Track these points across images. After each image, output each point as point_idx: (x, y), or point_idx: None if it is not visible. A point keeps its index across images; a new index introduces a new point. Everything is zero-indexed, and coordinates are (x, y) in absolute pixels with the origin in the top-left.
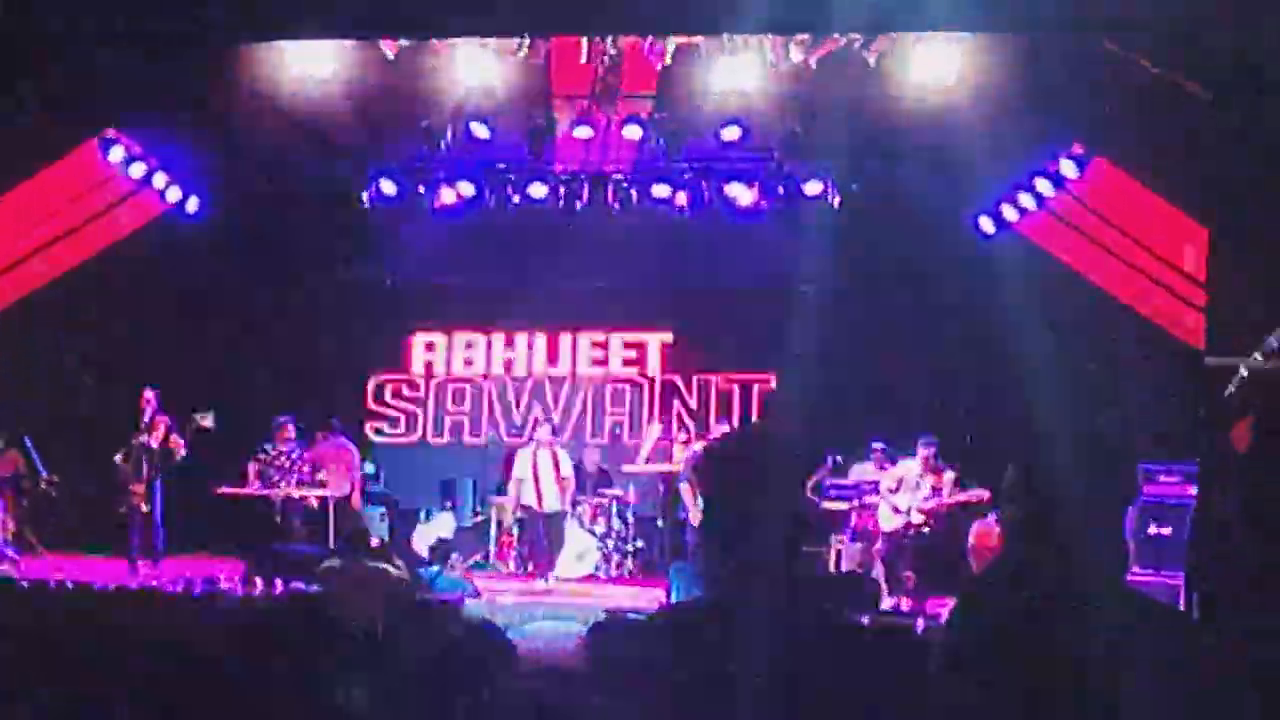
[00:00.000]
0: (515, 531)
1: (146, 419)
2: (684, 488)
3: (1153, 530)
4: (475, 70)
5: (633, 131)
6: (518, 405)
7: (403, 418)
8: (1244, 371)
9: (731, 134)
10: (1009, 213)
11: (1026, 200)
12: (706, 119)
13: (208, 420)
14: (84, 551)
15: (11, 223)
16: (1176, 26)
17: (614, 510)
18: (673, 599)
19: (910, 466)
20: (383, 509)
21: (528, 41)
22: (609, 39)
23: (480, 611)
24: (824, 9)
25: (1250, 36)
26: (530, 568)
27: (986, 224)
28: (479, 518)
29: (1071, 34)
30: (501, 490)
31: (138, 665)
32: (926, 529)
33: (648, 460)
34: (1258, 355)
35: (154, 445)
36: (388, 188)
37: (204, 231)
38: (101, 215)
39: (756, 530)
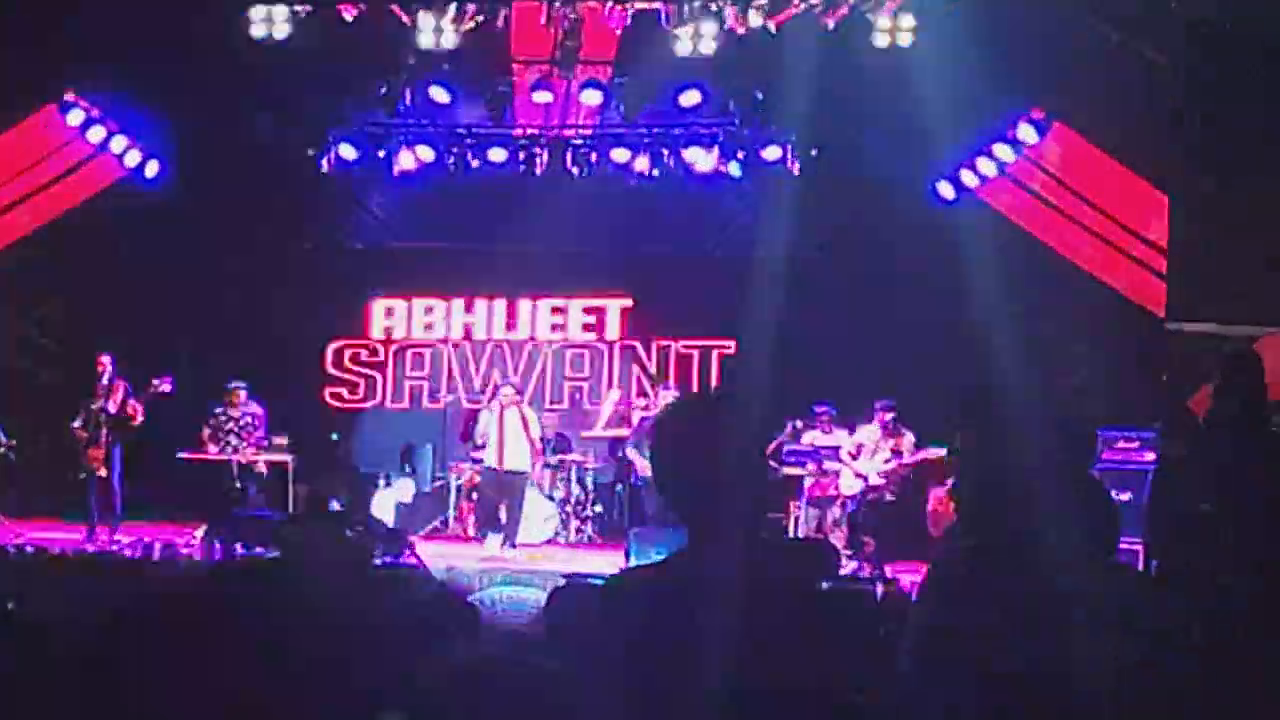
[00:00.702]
0: (475, 496)
1: (104, 384)
2: (632, 453)
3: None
4: (434, 34)
5: (592, 96)
6: (477, 370)
7: (362, 383)
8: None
9: (691, 99)
10: (968, 178)
11: (986, 166)
12: (666, 84)
13: (165, 385)
14: (43, 516)
15: None
16: None
17: (573, 475)
18: (631, 564)
19: (870, 431)
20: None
21: (487, 5)
22: (569, 3)
23: (440, 576)
24: None
25: (1214, 2)
26: (475, 531)
27: (946, 189)
28: (439, 483)
29: None
30: (461, 454)
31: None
32: (887, 494)
33: (606, 425)
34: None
35: (112, 410)
36: (347, 152)
37: (163, 196)
38: (60, 180)
39: (716, 496)
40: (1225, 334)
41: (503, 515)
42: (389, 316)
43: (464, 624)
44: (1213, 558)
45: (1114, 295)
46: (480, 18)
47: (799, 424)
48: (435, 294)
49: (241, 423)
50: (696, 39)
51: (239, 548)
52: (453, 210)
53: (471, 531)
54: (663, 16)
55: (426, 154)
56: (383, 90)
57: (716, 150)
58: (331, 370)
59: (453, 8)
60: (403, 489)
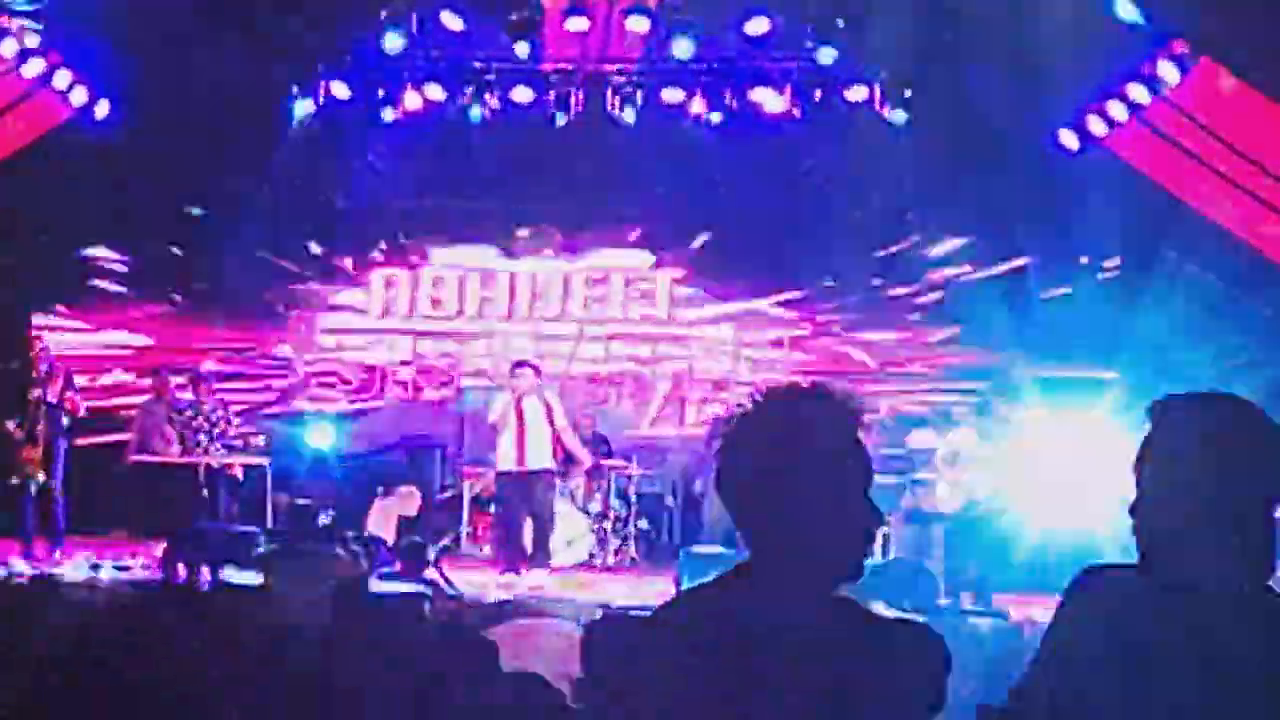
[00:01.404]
0: (494, 509)
1: (41, 369)
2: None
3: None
4: None
5: (639, 23)
6: (496, 355)
7: (356, 370)
8: None
9: (759, 27)
10: (1096, 125)
11: (1117, 110)
12: (728, 9)
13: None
14: None
15: None
16: None
17: (612, 485)
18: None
19: (964, 433)
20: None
21: None
22: None
23: (451, 607)
24: None
25: None
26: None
27: (1069, 139)
28: (449, 493)
29: None
30: (478, 456)
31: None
32: (991, 507)
33: (654, 423)
34: None
35: (51, 400)
36: (339, 91)
37: (115, 142)
38: None
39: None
40: None
41: (527, 533)
42: (389, 289)
43: (480, 663)
44: None
45: (1271, 265)
46: None
47: (889, 422)
48: (445, 263)
49: (212, 417)
50: None
51: (205, 569)
52: (467, 161)
53: (489, 553)
54: None
55: (436, 93)
56: (383, 15)
57: (789, 90)
58: (320, 354)
59: None
60: (406, 500)
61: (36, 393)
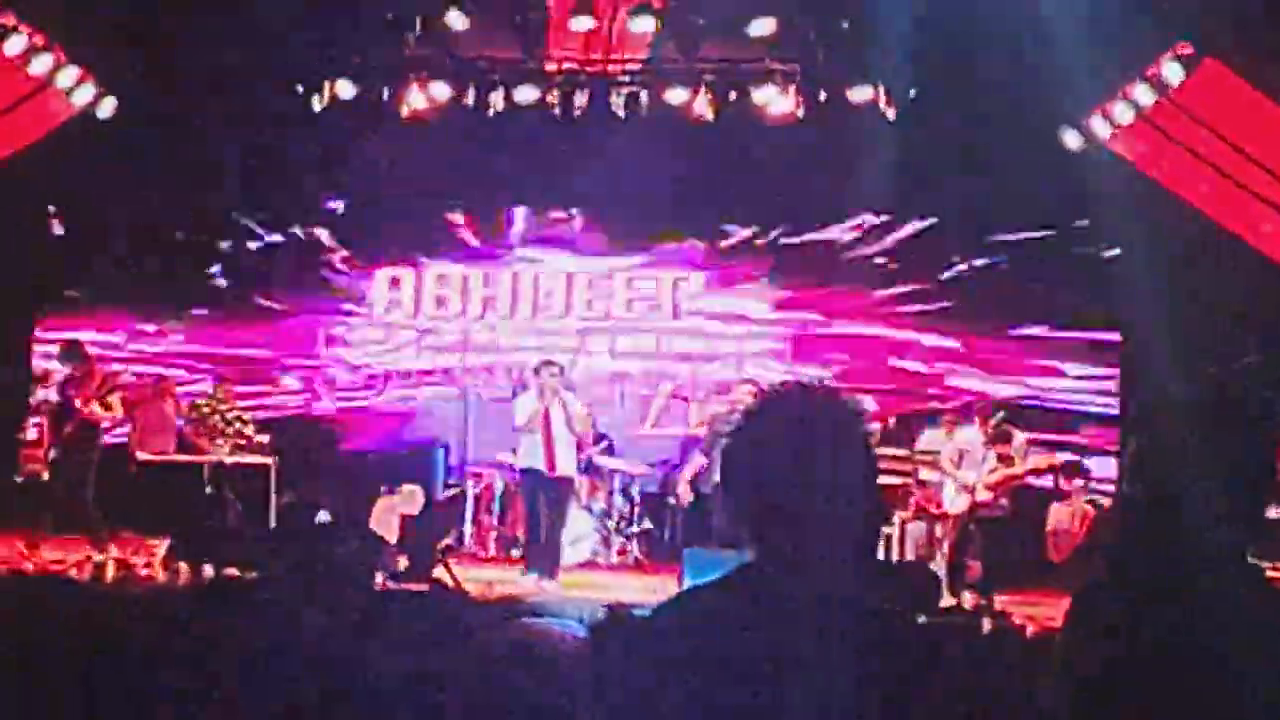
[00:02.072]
0: (497, 508)
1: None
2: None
3: None
4: None
5: (643, 24)
6: (501, 354)
7: (360, 369)
8: None
9: (763, 28)
10: (1100, 126)
11: (1121, 110)
12: (733, 10)
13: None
14: None
15: None
16: None
17: (616, 484)
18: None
19: (971, 434)
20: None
21: None
22: None
23: (454, 604)
24: None
25: None
26: (517, 551)
27: (1072, 139)
28: (453, 491)
29: None
30: (485, 456)
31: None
32: (996, 510)
33: (658, 423)
34: None
35: (54, 400)
36: (344, 90)
37: (120, 140)
38: None
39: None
40: None
41: (539, 531)
42: (394, 288)
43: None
44: None
45: (1277, 271)
46: None
47: (893, 422)
48: (450, 261)
49: (228, 416)
50: None
51: (208, 567)
52: (471, 160)
53: (493, 550)
54: None
55: (441, 92)
56: (389, 15)
57: (793, 91)
58: (325, 353)
59: None
60: (409, 499)
61: (42, 393)
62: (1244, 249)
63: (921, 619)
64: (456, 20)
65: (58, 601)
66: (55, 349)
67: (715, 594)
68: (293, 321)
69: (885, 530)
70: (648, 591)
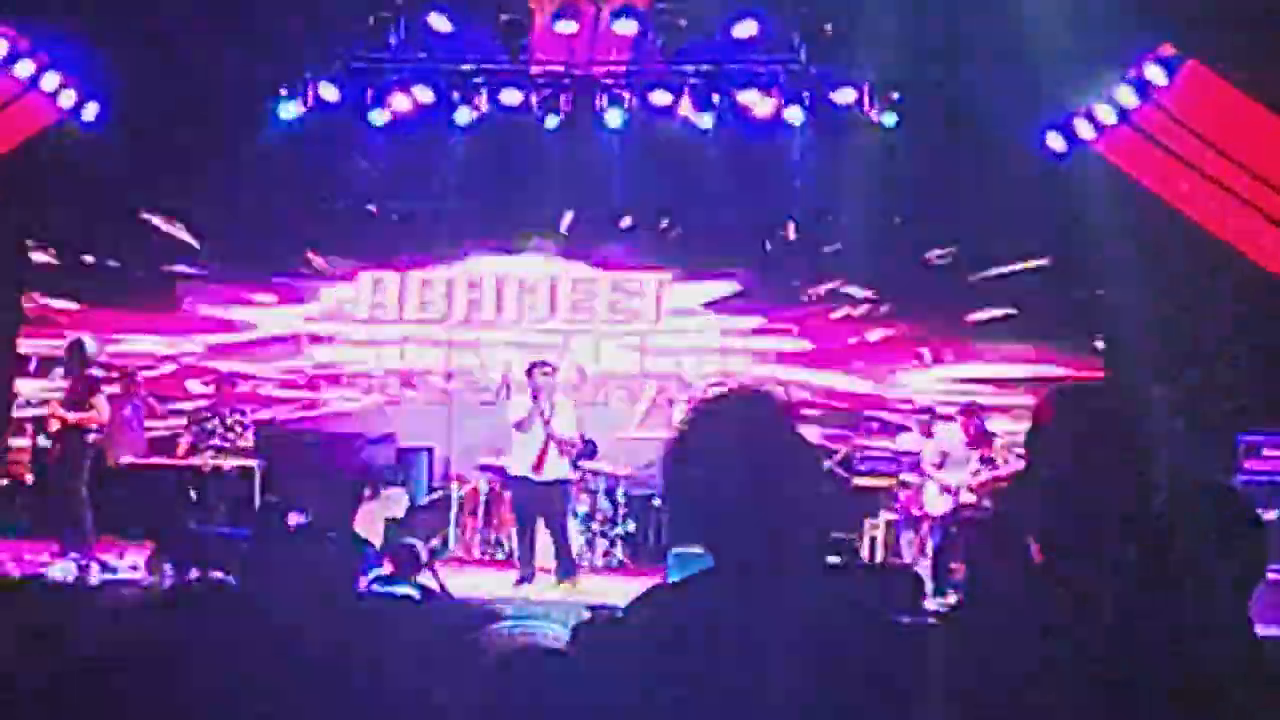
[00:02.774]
0: (482, 512)
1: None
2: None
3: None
4: None
5: (626, 26)
6: (482, 357)
7: (345, 372)
8: None
9: (747, 30)
10: (1083, 128)
11: (1105, 113)
12: (716, 11)
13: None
14: None
15: None
16: None
17: (601, 487)
18: None
19: (952, 435)
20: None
21: None
22: None
23: (442, 609)
24: None
25: None
26: (502, 554)
27: (1056, 141)
28: (437, 494)
29: None
30: (470, 460)
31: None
32: (979, 511)
33: (642, 425)
34: None
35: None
36: (328, 93)
37: (104, 144)
38: None
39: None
40: None
41: (535, 542)
42: (378, 291)
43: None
44: None
45: (1261, 272)
46: None
47: (874, 424)
48: (432, 264)
49: (230, 422)
50: None
51: (193, 571)
52: (455, 163)
53: (478, 553)
54: None
55: (425, 95)
56: (371, 17)
57: (777, 93)
58: (308, 356)
59: None
60: (393, 502)
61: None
62: (1227, 250)
63: (904, 619)
64: (439, 23)
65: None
66: (61, 349)
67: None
68: (275, 324)
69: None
70: (632, 594)
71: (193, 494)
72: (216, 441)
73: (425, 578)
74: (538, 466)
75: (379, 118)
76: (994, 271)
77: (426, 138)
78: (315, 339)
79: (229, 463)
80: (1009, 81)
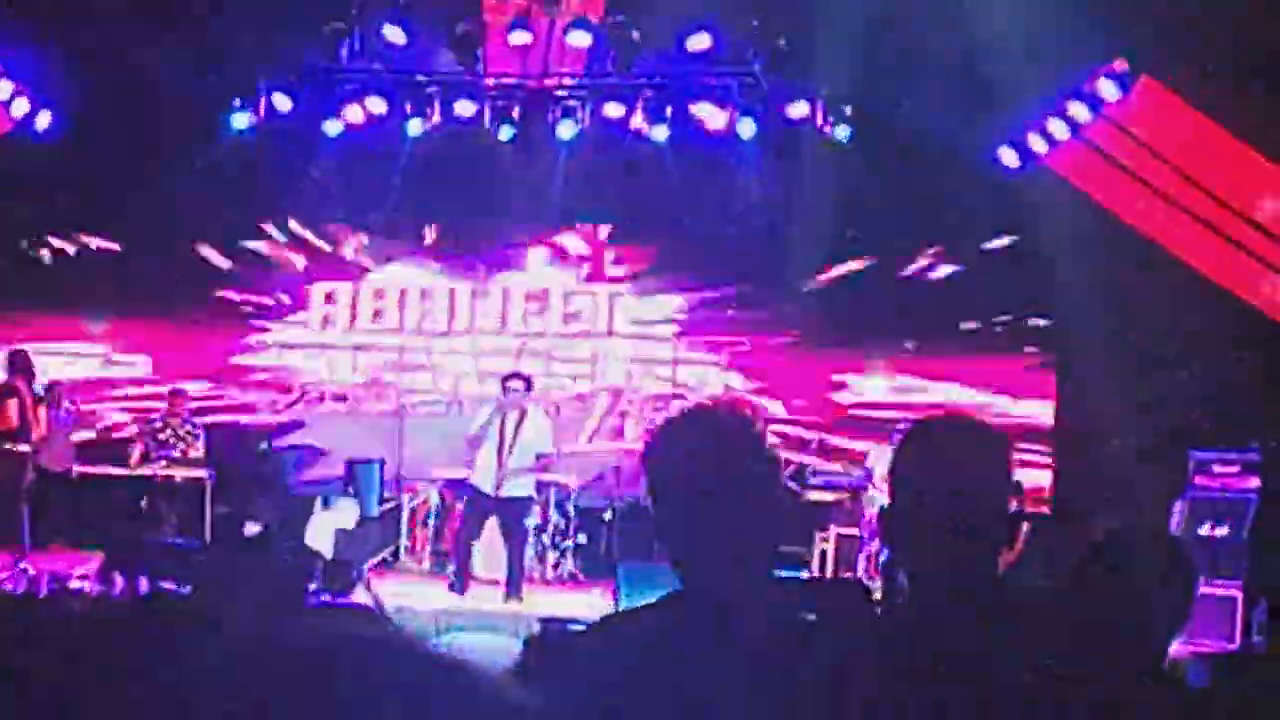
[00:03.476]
0: (433, 523)
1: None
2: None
3: (1205, 530)
4: None
5: (581, 38)
6: (434, 368)
7: (295, 383)
8: None
9: (700, 43)
10: (1036, 143)
11: (1057, 128)
12: (670, 25)
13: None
14: None
15: None
16: None
17: (551, 498)
18: (621, 605)
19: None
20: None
21: None
22: None
23: (388, 618)
24: None
25: None
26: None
27: (1009, 156)
28: (388, 506)
29: None
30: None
31: None
32: None
33: (593, 438)
34: None
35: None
36: (281, 103)
37: (58, 154)
38: None
39: (720, 526)
40: None
41: (485, 556)
42: (329, 303)
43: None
44: None
45: (1212, 288)
46: None
47: (820, 439)
48: (385, 277)
49: (180, 432)
50: None
51: (143, 580)
52: (408, 175)
53: (428, 565)
54: None
55: (378, 106)
56: (325, 28)
57: (731, 106)
58: (258, 366)
59: None
60: (344, 513)
61: None
62: (1178, 265)
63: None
64: (393, 34)
65: None
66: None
67: (642, 617)
68: (223, 333)
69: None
70: (582, 606)
71: (143, 504)
72: (168, 451)
73: (360, 594)
74: (498, 484)
75: (332, 128)
76: (944, 284)
77: (378, 149)
78: (266, 348)
79: (180, 473)
80: (962, 96)
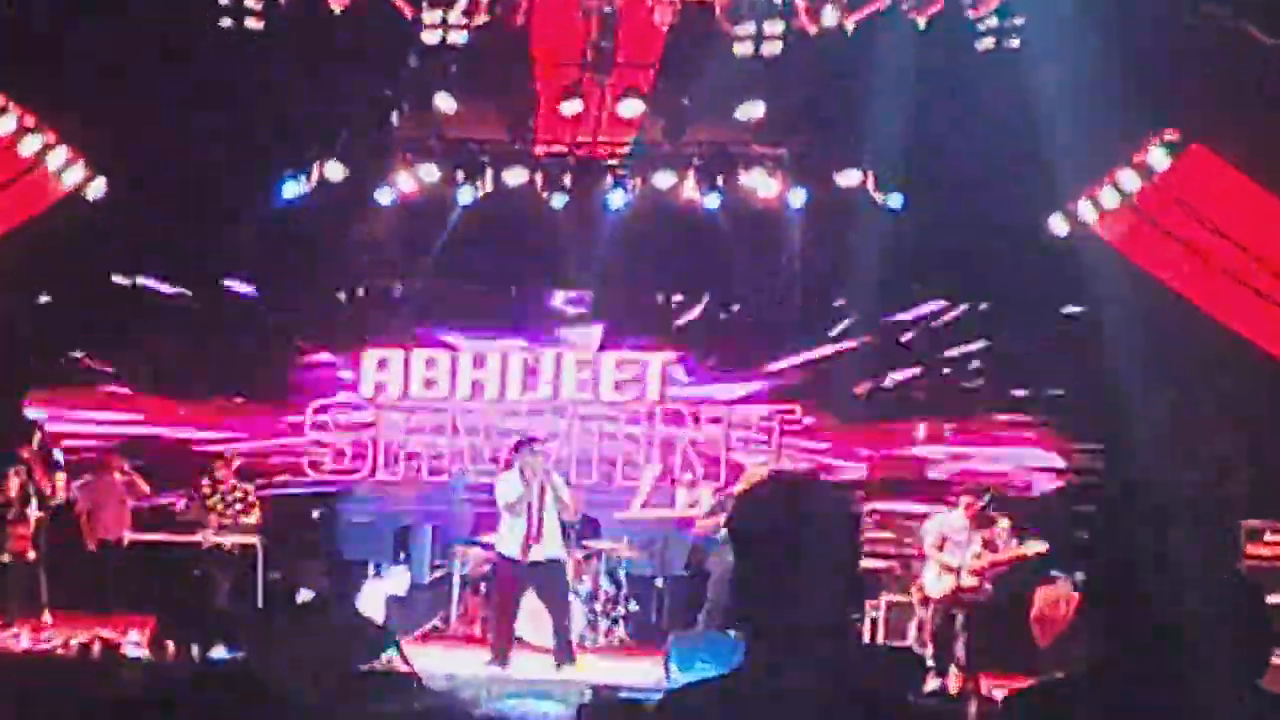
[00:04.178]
0: (484, 589)
1: (34, 447)
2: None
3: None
4: (440, 29)
5: (632, 108)
6: (488, 436)
7: (349, 450)
8: None
9: (752, 112)
10: (1087, 211)
11: (1108, 196)
12: (721, 94)
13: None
14: None
15: None
16: None
17: (603, 566)
18: (672, 674)
19: (952, 519)
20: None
21: None
22: None
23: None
24: None
25: None
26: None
27: (1059, 224)
28: (439, 572)
29: None
30: (471, 539)
31: None
32: (981, 594)
33: (644, 505)
34: None
35: (37, 479)
36: (333, 172)
37: (110, 221)
38: None
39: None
40: None
41: (533, 622)
42: (382, 370)
43: None
44: None
45: (1266, 358)
46: (496, 10)
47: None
48: (438, 344)
49: (230, 498)
50: (758, 39)
51: (195, 648)
52: (460, 243)
53: (479, 631)
54: (717, 10)
55: (429, 174)
56: (377, 96)
57: (781, 175)
58: (311, 434)
59: None
60: (396, 580)
61: (29, 471)
62: (1229, 334)
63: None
64: (444, 102)
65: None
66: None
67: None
68: (279, 401)
69: (871, 614)
70: (633, 674)
71: (196, 571)
72: (217, 518)
73: (393, 659)
74: (524, 549)
75: (384, 196)
76: (995, 353)
77: (430, 217)
78: (320, 411)
79: (232, 539)
80: (1012, 164)
